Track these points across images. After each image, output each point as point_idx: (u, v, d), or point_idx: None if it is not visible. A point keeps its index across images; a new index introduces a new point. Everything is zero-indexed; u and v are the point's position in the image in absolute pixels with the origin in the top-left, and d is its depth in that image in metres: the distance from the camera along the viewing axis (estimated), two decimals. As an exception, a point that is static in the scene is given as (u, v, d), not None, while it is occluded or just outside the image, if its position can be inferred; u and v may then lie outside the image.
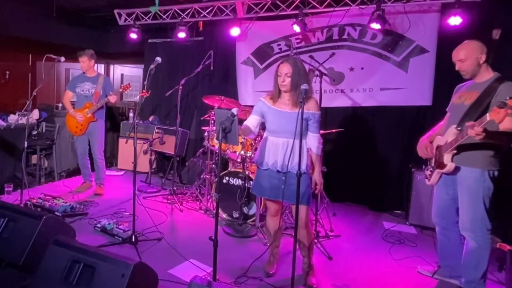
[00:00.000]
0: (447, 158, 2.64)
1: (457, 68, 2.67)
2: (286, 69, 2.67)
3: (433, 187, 2.94)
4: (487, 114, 2.17)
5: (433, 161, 2.82)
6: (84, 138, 4.69)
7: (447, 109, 2.92)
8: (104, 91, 4.62)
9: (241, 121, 2.73)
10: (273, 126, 2.78)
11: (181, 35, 5.34)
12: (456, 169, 2.65)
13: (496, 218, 2.65)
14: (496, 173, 2.58)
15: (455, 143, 2.54)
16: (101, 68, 7.70)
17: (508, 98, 2.08)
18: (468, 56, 2.58)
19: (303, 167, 2.70)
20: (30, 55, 6.60)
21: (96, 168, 4.78)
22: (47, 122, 5.86)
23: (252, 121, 2.85)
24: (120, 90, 4.55)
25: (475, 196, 2.58)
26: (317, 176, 2.77)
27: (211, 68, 5.07)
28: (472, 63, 2.58)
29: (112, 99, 4.49)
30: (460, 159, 2.61)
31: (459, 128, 2.49)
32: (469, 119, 2.43)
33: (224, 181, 4.07)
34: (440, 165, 2.70)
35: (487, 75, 2.60)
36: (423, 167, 3.02)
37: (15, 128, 5.04)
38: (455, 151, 2.60)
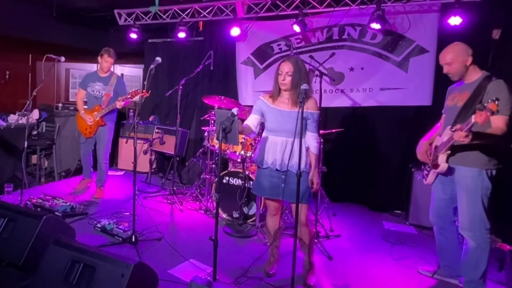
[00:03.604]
0: (441, 158, 2.65)
1: (444, 71, 2.71)
2: (287, 67, 2.68)
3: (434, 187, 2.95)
4: (472, 117, 2.19)
5: (430, 161, 2.83)
6: (91, 140, 4.64)
7: (442, 111, 2.94)
8: (116, 93, 4.47)
9: (241, 121, 2.73)
10: (272, 125, 2.78)
11: (181, 35, 5.34)
12: (452, 169, 2.66)
13: (496, 218, 2.65)
14: (494, 172, 2.58)
15: (448, 143, 2.56)
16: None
17: (489, 101, 2.12)
18: (454, 59, 2.62)
19: (303, 165, 2.71)
20: (30, 55, 6.60)
21: (99, 171, 4.71)
22: (47, 122, 5.85)
23: (252, 121, 2.86)
24: (128, 96, 4.24)
25: (473, 196, 2.58)
26: (314, 176, 2.77)
27: (211, 68, 5.06)
28: (459, 66, 2.62)
29: (119, 105, 4.30)
30: (457, 159, 2.62)
31: (452, 129, 2.49)
32: (462, 119, 2.46)
33: (224, 181, 4.07)
34: (435, 165, 2.71)
35: (476, 75, 2.63)
36: (422, 167, 3.02)
37: (15, 128, 5.03)
38: (449, 152, 2.61)
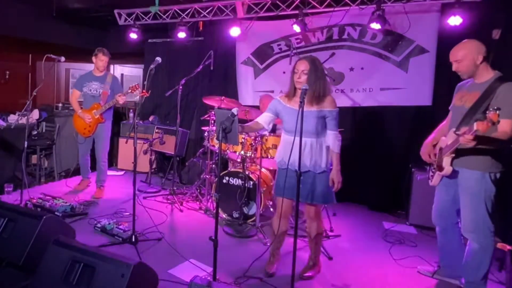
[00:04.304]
0: (446, 161, 2.63)
1: (454, 68, 2.64)
2: (303, 66, 2.69)
3: (433, 187, 2.94)
4: (474, 124, 2.15)
5: (435, 163, 2.82)
6: (89, 140, 4.65)
7: (449, 108, 2.90)
8: (112, 91, 4.53)
9: (241, 121, 2.73)
10: (289, 125, 2.77)
11: (181, 35, 5.34)
12: (456, 172, 2.65)
13: (496, 218, 2.65)
14: (498, 175, 2.55)
15: (452, 147, 2.54)
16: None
17: (491, 109, 2.08)
18: (464, 57, 2.54)
19: (323, 165, 2.74)
20: (30, 55, 6.60)
21: (99, 170, 4.72)
22: (47, 122, 5.85)
23: (264, 118, 2.88)
24: (129, 91, 4.37)
25: (477, 199, 2.56)
26: (335, 174, 2.77)
27: (211, 68, 5.06)
28: (468, 64, 2.54)
29: (121, 99, 4.35)
30: (461, 162, 2.60)
31: (457, 132, 2.44)
32: (467, 122, 2.43)
33: (224, 181, 4.07)
34: (440, 167, 2.70)
35: (487, 75, 2.56)
36: (427, 168, 3.02)
37: (15, 128, 5.03)
38: (453, 155, 2.59)
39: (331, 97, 2.76)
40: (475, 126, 2.14)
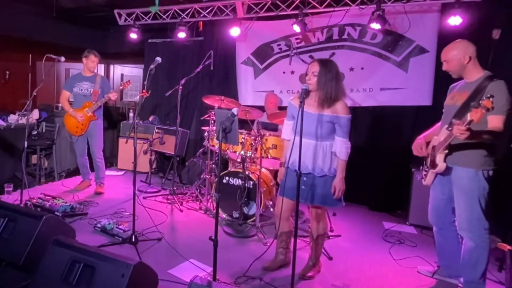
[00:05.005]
0: (439, 158, 2.65)
1: (443, 68, 2.72)
2: (314, 68, 2.68)
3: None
4: (468, 114, 2.19)
5: (428, 161, 2.83)
6: (83, 138, 4.69)
7: (443, 110, 2.92)
8: (102, 90, 4.62)
9: (241, 121, 2.73)
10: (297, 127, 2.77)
11: (181, 35, 5.35)
12: (450, 169, 2.66)
13: (496, 217, 2.65)
14: (491, 172, 2.57)
15: (445, 143, 2.56)
16: (101, 68, 7.70)
17: (484, 97, 2.13)
18: (452, 57, 2.63)
19: (326, 170, 2.74)
20: (30, 55, 6.60)
21: (96, 168, 4.78)
22: (47, 122, 5.85)
23: (289, 133, 2.87)
24: (121, 87, 4.60)
25: (470, 196, 2.58)
26: (337, 182, 2.75)
27: (211, 68, 5.06)
28: (455, 64, 2.63)
29: (113, 96, 4.49)
30: (454, 159, 2.62)
31: (449, 128, 2.48)
32: (459, 118, 2.45)
33: (224, 181, 4.07)
34: (434, 165, 2.71)
35: (476, 74, 2.62)
36: (421, 167, 3.02)
37: (15, 128, 5.04)
38: (446, 151, 2.61)
39: (344, 102, 2.71)
40: (469, 116, 2.18)
